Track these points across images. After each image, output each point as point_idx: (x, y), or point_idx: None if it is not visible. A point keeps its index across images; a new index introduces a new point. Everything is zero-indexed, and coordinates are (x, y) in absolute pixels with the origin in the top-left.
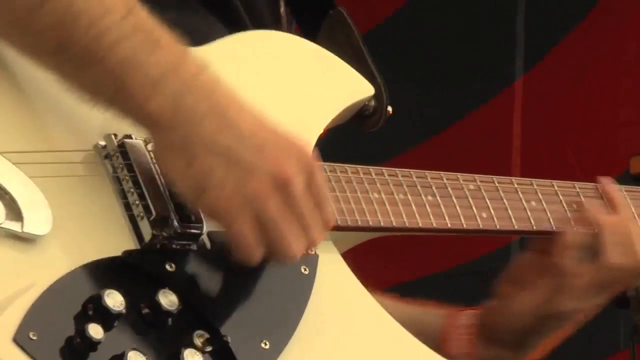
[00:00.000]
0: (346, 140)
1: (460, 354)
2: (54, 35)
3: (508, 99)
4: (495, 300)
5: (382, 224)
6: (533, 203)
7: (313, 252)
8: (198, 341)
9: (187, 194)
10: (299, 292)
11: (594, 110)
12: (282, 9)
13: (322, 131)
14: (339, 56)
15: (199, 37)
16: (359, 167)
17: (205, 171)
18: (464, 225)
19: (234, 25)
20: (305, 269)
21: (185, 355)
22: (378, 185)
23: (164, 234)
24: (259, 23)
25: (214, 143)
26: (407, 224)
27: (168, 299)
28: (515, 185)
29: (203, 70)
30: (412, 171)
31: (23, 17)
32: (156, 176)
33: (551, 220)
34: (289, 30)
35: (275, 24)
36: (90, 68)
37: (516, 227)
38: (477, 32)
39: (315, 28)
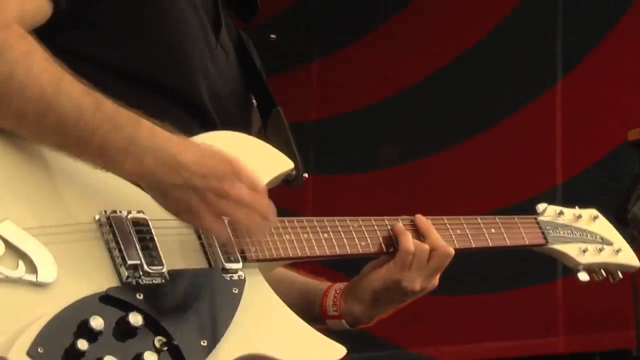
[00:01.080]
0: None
1: (330, 305)
2: (56, 137)
3: (550, 100)
4: (361, 273)
5: (290, 255)
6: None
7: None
8: (158, 344)
9: (172, 214)
10: (230, 306)
11: (613, 99)
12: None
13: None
14: (276, 141)
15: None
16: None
17: (174, 201)
18: (349, 252)
19: (209, 128)
20: (235, 290)
21: (145, 356)
22: (289, 229)
23: (136, 274)
24: (230, 125)
25: (173, 182)
26: (308, 254)
27: (135, 319)
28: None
29: (153, 133)
30: (313, 218)
31: (34, 129)
32: (131, 237)
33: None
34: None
35: (244, 126)
36: (84, 151)
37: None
38: (518, 38)
39: (264, 122)
